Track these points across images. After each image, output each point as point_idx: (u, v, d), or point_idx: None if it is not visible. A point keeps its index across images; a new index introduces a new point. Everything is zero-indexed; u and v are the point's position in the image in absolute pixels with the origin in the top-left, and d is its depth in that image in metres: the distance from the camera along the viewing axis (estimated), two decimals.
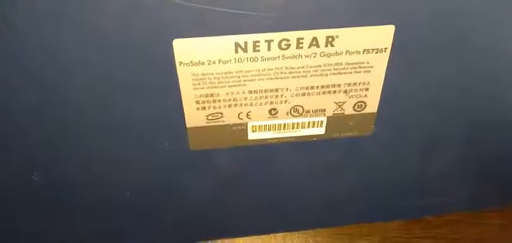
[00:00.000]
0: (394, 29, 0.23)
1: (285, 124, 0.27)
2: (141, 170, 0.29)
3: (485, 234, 0.37)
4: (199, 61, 0.23)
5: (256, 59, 0.23)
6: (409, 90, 0.27)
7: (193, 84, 0.24)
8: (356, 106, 0.27)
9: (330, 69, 0.24)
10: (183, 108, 0.25)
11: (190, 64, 0.23)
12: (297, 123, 0.27)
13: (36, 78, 0.23)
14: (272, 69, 0.24)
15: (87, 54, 0.22)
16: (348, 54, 0.24)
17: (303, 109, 0.26)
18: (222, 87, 0.24)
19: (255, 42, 0.23)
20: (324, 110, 0.27)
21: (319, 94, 0.26)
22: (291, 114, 0.27)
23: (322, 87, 0.25)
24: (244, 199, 0.33)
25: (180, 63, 0.23)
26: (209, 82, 0.24)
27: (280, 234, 0.36)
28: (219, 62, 0.23)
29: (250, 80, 0.24)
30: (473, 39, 0.25)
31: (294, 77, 0.25)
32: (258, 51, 0.23)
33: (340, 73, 0.25)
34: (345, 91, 0.26)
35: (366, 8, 0.22)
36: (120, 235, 0.34)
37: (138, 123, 0.26)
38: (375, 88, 0.26)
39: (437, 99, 0.28)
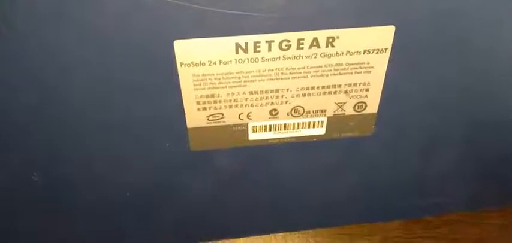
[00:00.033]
0: (394, 29, 0.23)
1: (285, 125, 0.27)
2: (141, 171, 0.29)
3: (485, 235, 0.37)
4: (200, 62, 0.23)
5: (256, 60, 0.23)
6: (409, 90, 0.27)
7: (194, 85, 0.24)
8: (356, 107, 0.27)
9: (331, 70, 0.24)
10: (183, 109, 0.25)
11: (191, 65, 0.23)
12: (298, 124, 0.27)
13: (36, 78, 0.23)
14: (273, 70, 0.24)
15: (87, 54, 0.22)
16: (348, 54, 0.24)
17: (303, 109, 0.26)
18: (222, 87, 0.24)
19: (255, 43, 0.23)
20: (325, 110, 0.27)
21: (320, 94, 0.26)
22: (291, 114, 0.27)
23: (323, 87, 0.25)
24: (244, 199, 0.33)
25: (181, 63, 0.23)
26: (210, 83, 0.24)
27: (281, 234, 0.36)
28: (220, 63, 0.23)
29: (251, 81, 0.24)
30: (473, 39, 0.25)
31: (294, 78, 0.25)
32: (259, 51, 0.23)
33: (340, 74, 0.25)
34: (346, 92, 0.26)
35: (366, 9, 0.22)
36: (120, 235, 0.34)
37: (138, 123, 0.26)
38: (375, 89, 0.26)
39: (437, 99, 0.28)
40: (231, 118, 0.26)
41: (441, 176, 0.33)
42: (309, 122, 0.27)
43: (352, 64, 0.24)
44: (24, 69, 0.22)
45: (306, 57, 0.24)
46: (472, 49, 0.25)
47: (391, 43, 0.24)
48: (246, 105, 0.26)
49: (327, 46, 0.23)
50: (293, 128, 0.27)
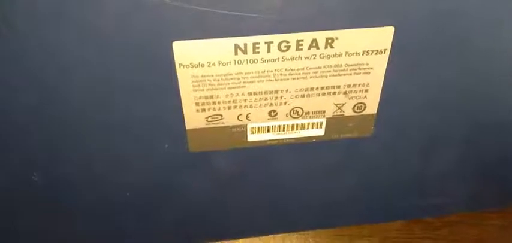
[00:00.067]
0: (393, 30, 0.23)
1: (284, 126, 0.27)
2: (141, 171, 0.29)
3: (485, 236, 0.37)
4: (199, 63, 0.23)
5: (255, 61, 0.23)
6: (408, 91, 0.27)
7: (193, 86, 0.24)
8: (355, 108, 0.27)
9: (330, 71, 0.24)
10: (182, 110, 0.25)
11: (190, 66, 0.23)
12: (297, 125, 0.27)
13: (36, 78, 0.23)
14: (272, 71, 0.24)
15: (87, 54, 0.22)
16: (347, 55, 0.24)
17: (302, 110, 0.26)
18: (221, 88, 0.25)
19: (254, 44, 0.23)
20: (324, 111, 0.27)
21: (319, 95, 0.26)
22: (290, 115, 0.27)
23: (322, 88, 0.25)
24: (244, 199, 0.33)
25: (180, 65, 0.23)
26: (209, 84, 0.24)
27: (280, 235, 0.36)
28: (219, 64, 0.23)
29: (250, 82, 0.24)
30: (473, 39, 0.25)
31: (293, 79, 0.25)
32: (258, 53, 0.23)
33: (339, 75, 0.25)
34: (345, 93, 0.26)
35: (366, 10, 0.22)
36: (120, 235, 0.34)
37: (138, 124, 0.26)
38: (375, 90, 0.26)
39: (437, 100, 0.28)
40: (230, 119, 0.26)
41: (441, 176, 0.33)
42: (308, 124, 0.27)
43: (351, 65, 0.24)
44: (24, 69, 0.22)
45: (305, 58, 0.24)
46: (472, 50, 0.25)
47: (391, 44, 0.24)
48: (245, 106, 0.26)
49: (326, 47, 0.23)
50: (292, 130, 0.27)
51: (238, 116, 0.26)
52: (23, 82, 0.23)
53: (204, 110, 0.26)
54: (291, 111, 0.26)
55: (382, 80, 0.25)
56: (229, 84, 0.24)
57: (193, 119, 0.26)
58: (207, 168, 0.29)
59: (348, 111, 0.27)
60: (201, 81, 0.24)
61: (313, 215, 0.35)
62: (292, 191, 0.33)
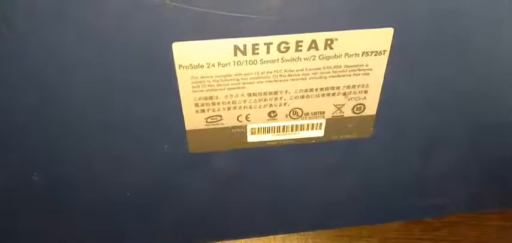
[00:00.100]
0: (392, 31, 0.23)
1: (284, 127, 0.27)
2: (141, 171, 0.29)
3: (485, 237, 0.37)
4: (199, 64, 0.23)
5: (255, 62, 0.23)
6: (408, 92, 0.27)
7: (193, 87, 0.24)
8: (355, 109, 0.27)
9: (329, 72, 0.24)
10: (182, 111, 0.25)
11: (190, 67, 0.23)
12: (296, 125, 0.27)
13: (36, 78, 0.23)
14: (271, 72, 0.24)
15: (87, 54, 0.22)
16: (347, 56, 0.24)
17: (302, 111, 0.26)
18: (221, 89, 0.25)
19: (254, 45, 0.23)
20: (323, 112, 0.27)
21: (318, 96, 0.26)
22: (290, 116, 0.27)
23: (321, 89, 0.25)
24: (244, 200, 0.33)
25: (180, 66, 0.23)
26: (208, 85, 0.24)
27: (280, 235, 0.36)
28: (218, 65, 0.23)
29: (250, 83, 0.24)
30: (473, 40, 0.25)
31: (293, 80, 0.25)
32: (257, 54, 0.23)
33: (339, 76, 0.25)
34: (344, 94, 0.26)
35: (365, 11, 0.22)
36: (120, 235, 0.34)
37: (137, 124, 0.26)
38: (374, 91, 0.26)
39: (436, 101, 0.28)
40: (229, 120, 0.26)
41: (441, 177, 0.33)
42: (308, 124, 0.27)
43: (351, 66, 0.24)
44: (24, 69, 0.22)
45: (304, 59, 0.24)
46: (472, 50, 0.25)
47: (390, 45, 0.24)
48: (244, 107, 0.26)
49: (325, 48, 0.23)
50: (292, 130, 0.27)
51: (237, 117, 0.26)
52: (23, 82, 0.23)
53: (203, 111, 0.26)
54: (290, 111, 0.26)
55: (382, 81, 0.25)
56: (228, 84, 0.24)
57: (193, 120, 0.26)
58: (206, 169, 0.29)
59: (348, 112, 0.27)
60: (200, 82, 0.24)
61: (313, 216, 0.35)
62: (292, 192, 0.33)
